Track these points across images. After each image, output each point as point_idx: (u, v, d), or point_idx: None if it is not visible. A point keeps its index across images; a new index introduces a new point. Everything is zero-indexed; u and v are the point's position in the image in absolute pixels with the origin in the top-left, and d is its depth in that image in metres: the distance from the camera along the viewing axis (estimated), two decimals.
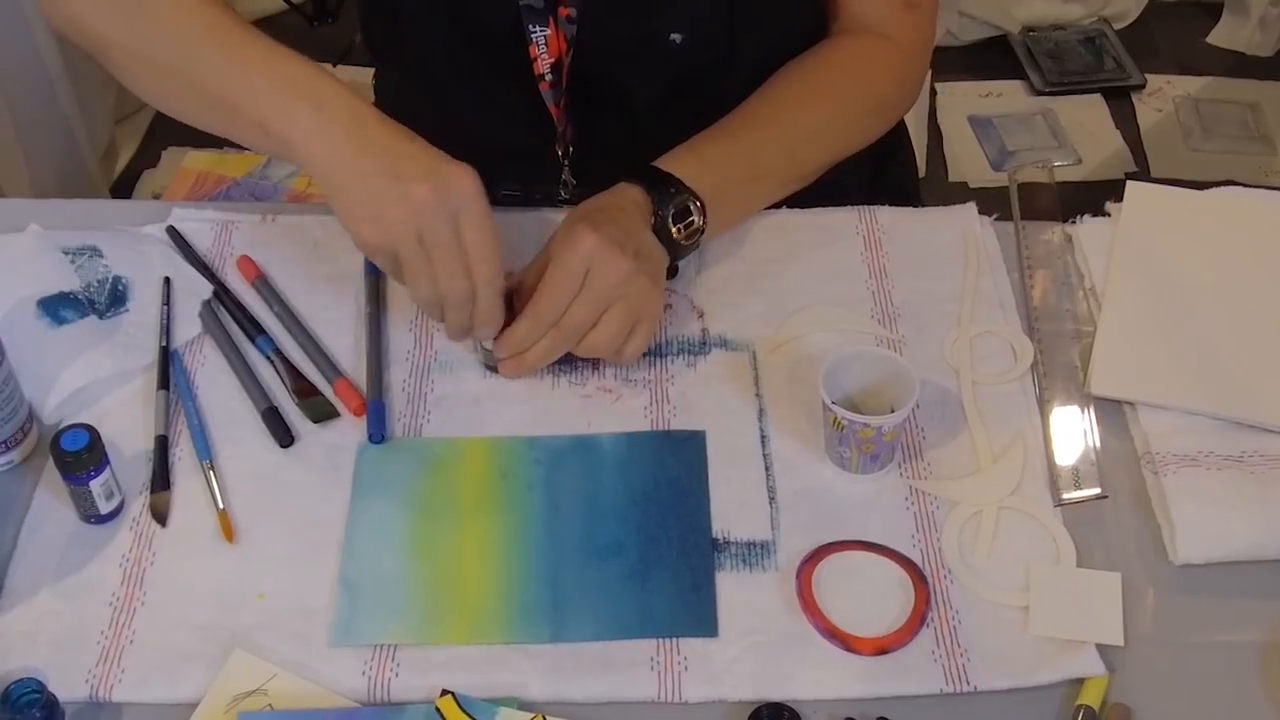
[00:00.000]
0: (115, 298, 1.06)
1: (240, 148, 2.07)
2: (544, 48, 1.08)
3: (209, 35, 0.95)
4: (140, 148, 2.44)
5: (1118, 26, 2.79)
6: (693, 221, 1.03)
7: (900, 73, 1.15)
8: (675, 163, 1.04)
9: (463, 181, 0.92)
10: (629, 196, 1.02)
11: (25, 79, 2.11)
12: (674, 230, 1.02)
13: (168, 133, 2.42)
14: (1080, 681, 0.85)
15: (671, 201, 1.01)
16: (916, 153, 2.47)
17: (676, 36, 1.09)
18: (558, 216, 1.12)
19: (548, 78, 1.10)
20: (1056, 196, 1.18)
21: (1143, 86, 2.66)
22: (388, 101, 1.32)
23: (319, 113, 0.92)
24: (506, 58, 1.10)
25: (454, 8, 1.10)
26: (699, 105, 1.08)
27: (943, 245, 1.12)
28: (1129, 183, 1.15)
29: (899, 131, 1.31)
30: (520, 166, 1.15)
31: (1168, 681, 0.86)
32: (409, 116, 1.27)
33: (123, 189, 2.39)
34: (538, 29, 1.08)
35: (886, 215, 1.15)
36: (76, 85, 2.22)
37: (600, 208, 1.01)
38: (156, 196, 2.32)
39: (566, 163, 1.18)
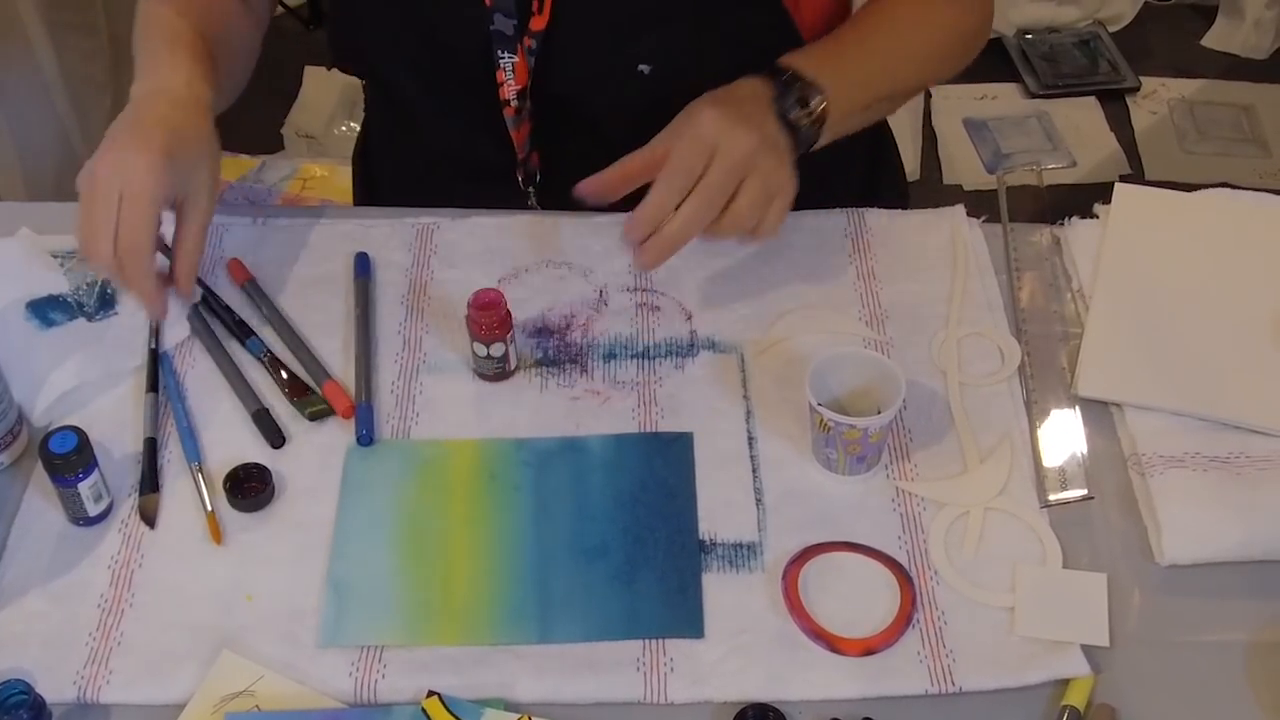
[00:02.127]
0: (104, 301, 1.06)
1: (235, 151, 2.08)
2: (511, 74, 1.08)
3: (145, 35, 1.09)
4: None
5: (1113, 29, 2.80)
6: (813, 110, 1.02)
7: (980, 8, 1.16)
8: (795, 59, 1.04)
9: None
10: (748, 87, 1.02)
11: (21, 82, 2.11)
12: (796, 118, 1.01)
13: None
14: (1066, 682, 0.85)
15: (793, 92, 1.01)
16: (912, 156, 2.48)
17: (645, 68, 1.08)
18: (535, 218, 1.14)
19: (513, 103, 1.10)
20: (1045, 199, 1.18)
21: (1137, 89, 2.66)
22: (374, 111, 1.31)
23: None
24: (473, 82, 1.10)
25: (421, 31, 1.09)
26: None
27: (931, 247, 1.13)
28: (1117, 185, 1.15)
29: (888, 145, 1.32)
30: (488, 186, 1.15)
31: (1153, 682, 0.86)
32: (390, 128, 1.27)
33: None
34: (506, 55, 1.07)
35: (875, 217, 1.15)
36: (72, 89, 2.22)
37: (718, 96, 1.00)
38: None
39: (530, 189, 1.18)
